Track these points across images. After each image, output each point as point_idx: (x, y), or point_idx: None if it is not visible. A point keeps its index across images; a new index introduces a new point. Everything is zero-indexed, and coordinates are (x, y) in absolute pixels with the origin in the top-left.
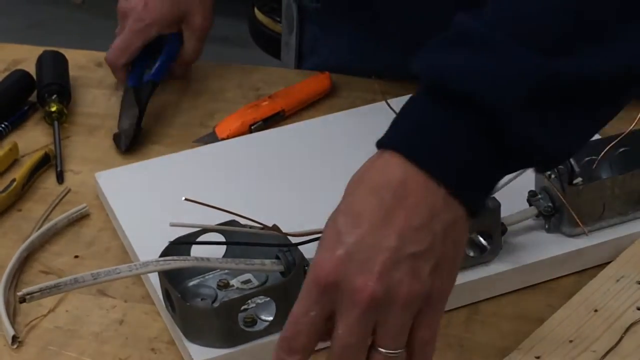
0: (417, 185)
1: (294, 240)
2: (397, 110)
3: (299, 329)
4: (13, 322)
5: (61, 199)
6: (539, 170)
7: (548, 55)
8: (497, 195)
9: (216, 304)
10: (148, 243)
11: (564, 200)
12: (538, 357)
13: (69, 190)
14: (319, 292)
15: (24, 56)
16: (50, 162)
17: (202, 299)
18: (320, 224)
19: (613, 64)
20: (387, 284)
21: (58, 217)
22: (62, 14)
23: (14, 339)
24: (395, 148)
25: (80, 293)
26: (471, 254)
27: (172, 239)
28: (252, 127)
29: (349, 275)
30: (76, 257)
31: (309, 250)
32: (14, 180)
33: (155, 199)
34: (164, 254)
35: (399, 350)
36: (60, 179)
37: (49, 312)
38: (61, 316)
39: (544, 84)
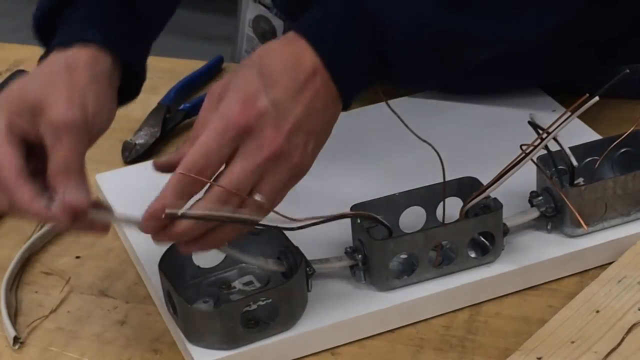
0: (322, 79)
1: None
2: (397, 111)
3: (209, 162)
4: (14, 323)
5: None
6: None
7: (445, 10)
8: (499, 196)
9: (218, 306)
10: (150, 245)
11: (566, 200)
12: (540, 358)
13: None
14: (235, 133)
15: (25, 56)
16: None
17: (204, 301)
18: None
19: (489, 31)
20: (289, 145)
21: None
22: None
23: (16, 339)
24: (308, 37)
25: (82, 293)
26: (473, 255)
27: None
28: None
29: (264, 127)
30: (77, 257)
31: (309, 250)
32: None
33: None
34: (167, 252)
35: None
36: None
37: (50, 312)
38: (62, 317)
39: (435, 35)
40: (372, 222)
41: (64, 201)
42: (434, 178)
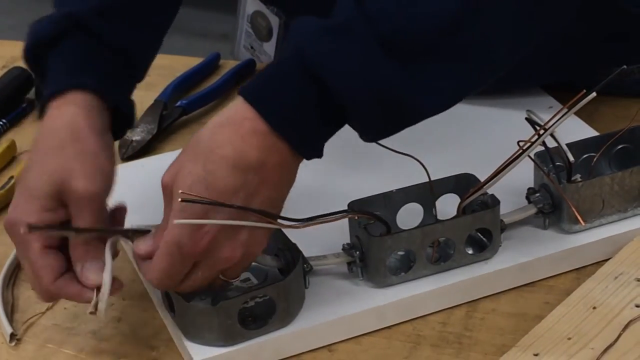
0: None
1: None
2: None
3: (171, 275)
4: (11, 320)
5: None
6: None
7: (396, 66)
8: (496, 193)
9: (215, 303)
10: None
11: (564, 196)
12: (536, 354)
13: None
14: (188, 257)
15: (22, 53)
16: None
17: (201, 298)
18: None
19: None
20: (247, 248)
21: None
22: None
23: (12, 336)
24: (258, 110)
25: None
26: (470, 251)
27: None
28: None
29: (218, 249)
30: None
31: (306, 247)
32: (12, 177)
33: (156, 198)
34: None
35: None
36: None
37: (47, 309)
38: (59, 314)
39: (380, 92)
40: (370, 219)
41: (81, 277)
42: (432, 175)
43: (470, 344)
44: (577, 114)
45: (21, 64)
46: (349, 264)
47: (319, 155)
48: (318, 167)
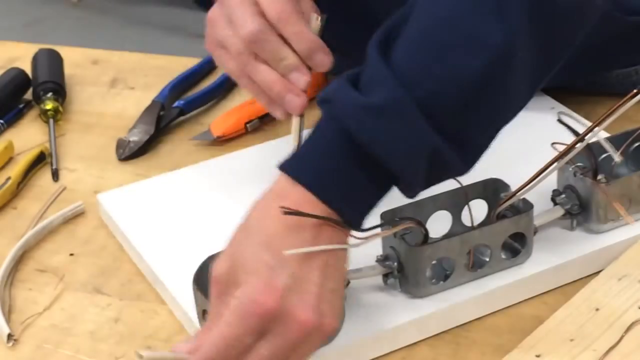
0: (330, 230)
1: None
2: None
3: (229, 354)
4: (8, 320)
5: (56, 197)
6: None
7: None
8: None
9: None
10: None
11: (606, 194)
12: (538, 356)
13: (65, 188)
14: (260, 319)
15: (19, 54)
16: (45, 160)
17: None
18: None
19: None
20: (320, 317)
21: (53, 215)
22: (58, 12)
23: (9, 337)
24: (309, 187)
25: (76, 291)
26: (503, 256)
27: (191, 254)
28: (248, 125)
29: (291, 307)
30: (71, 254)
31: None
32: (9, 178)
33: (166, 217)
34: (201, 269)
35: None
36: (55, 177)
37: (44, 310)
38: (56, 314)
39: (429, 156)
40: (407, 228)
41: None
42: (453, 182)
43: (468, 343)
44: (585, 116)
45: (19, 64)
46: (384, 275)
47: (359, 224)
48: None
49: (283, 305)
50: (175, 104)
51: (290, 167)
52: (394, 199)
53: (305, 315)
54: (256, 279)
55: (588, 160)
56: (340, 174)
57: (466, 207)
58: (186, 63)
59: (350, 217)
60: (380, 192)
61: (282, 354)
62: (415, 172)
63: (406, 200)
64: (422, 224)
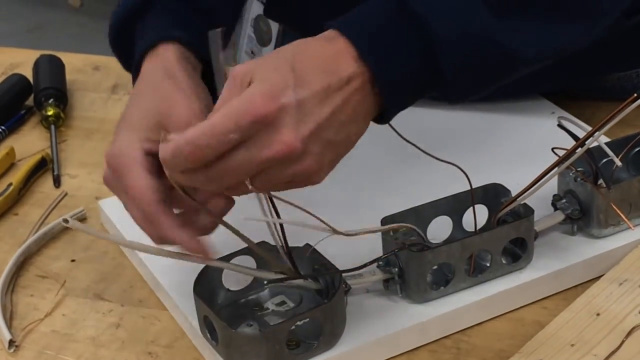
0: (358, 88)
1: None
2: (392, 121)
3: (212, 142)
4: (10, 326)
5: (58, 203)
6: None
7: (494, 13)
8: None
9: (262, 329)
10: (169, 269)
11: (609, 198)
12: None
13: (66, 194)
14: (250, 122)
15: (21, 60)
16: (47, 166)
17: (248, 325)
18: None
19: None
20: (303, 150)
21: (55, 221)
22: (60, 18)
23: (11, 343)
24: (352, 39)
25: (77, 297)
26: (504, 261)
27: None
28: None
29: (282, 124)
30: (73, 260)
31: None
32: (10, 184)
33: None
34: (200, 276)
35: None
36: (57, 183)
37: (45, 316)
38: (58, 320)
39: (477, 37)
40: (407, 235)
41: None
42: (453, 188)
43: (468, 349)
44: (585, 121)
45: (20, 70)
46: (385, 280)
47: (395, 106)
48: (345, 182)
49: (277, 118)
50: None
51: (338, 23)
52: (396, 205)
53: (290, 138)
54: (266, 85)
55: (588, 165)
56: (387, 36)
57: (466, 212)
58: None
59: (382, 85)
60: (421, 73)
61: (252, 166)
62: (460, 51)
63: (407, 207)
64: (416, 229)
